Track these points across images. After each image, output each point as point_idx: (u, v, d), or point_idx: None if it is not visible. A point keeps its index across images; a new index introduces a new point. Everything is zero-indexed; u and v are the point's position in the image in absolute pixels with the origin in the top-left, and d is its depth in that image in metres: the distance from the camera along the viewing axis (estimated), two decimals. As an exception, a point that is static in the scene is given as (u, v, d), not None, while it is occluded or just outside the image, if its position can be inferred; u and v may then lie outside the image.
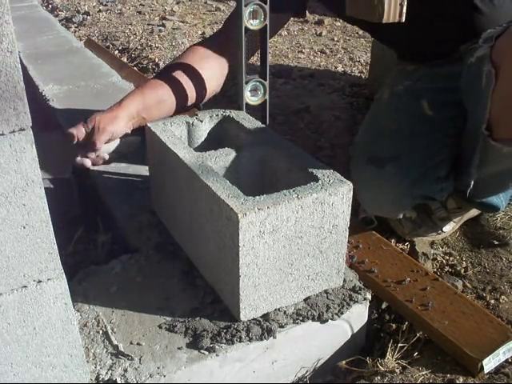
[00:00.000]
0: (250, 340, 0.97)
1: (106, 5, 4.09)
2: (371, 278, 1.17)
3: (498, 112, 1.04)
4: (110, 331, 1.00)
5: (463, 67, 1.17)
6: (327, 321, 1.03)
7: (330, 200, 0.96)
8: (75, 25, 3.69)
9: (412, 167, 1.23)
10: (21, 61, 2.02)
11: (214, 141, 1.19)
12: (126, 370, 0.92)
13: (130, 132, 1.35)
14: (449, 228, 1.38)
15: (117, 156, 1.37)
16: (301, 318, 1.02)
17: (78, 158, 1.31)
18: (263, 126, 1.20)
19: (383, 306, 1.18)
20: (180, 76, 1.34)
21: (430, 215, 1.36)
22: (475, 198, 1.31)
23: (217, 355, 0.95)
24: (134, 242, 1.25)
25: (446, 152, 1.26)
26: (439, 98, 1.28)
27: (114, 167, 1.55)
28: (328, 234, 1.00)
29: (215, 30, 3.32)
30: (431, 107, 1.27)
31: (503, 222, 1.48)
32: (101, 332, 1.00)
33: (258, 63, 1.26)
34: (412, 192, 1.27)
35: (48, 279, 0.76)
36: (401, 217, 1.34)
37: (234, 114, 1.26)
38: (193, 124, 1.24)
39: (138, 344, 0.97)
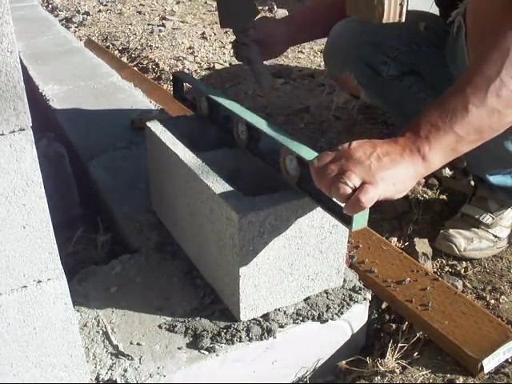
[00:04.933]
0: (250, 340, 0.97)
1: (105, 5, 4.09)
2: (371, 278, 1.17)
3: (474, 57, 1.07)
4: (110, 331, 1.00)
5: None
6: (327, 321, 1.03)
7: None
8: (75, 25, 3.68)
9: (377, 31, 1.42)
10: (21, 61, 2.02)
11: (215, 141, 1.19)
12: (125, 370, 0.92)
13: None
14: (502, 234, 1.37)
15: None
16: (301, 318, 1.02)
17: None
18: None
19: (383, 305, 1.18)
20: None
21: (478, 227, 1.36)
22: (481, 171, 1.33)
23: (217, 355, 0.95)
24: (133, 242, 1.25)
25: (407, 51, 1.44)
26: (436, 28, 1.43)
27: (114, 167, 1.55)
28: (328, 233, 1.00)
29: (215, 30, 3.33)
30: (426, 28, 1.44)
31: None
32: (101, 332, 1.00)
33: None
34: (361, 46, 1.46)
35: (48, 279, 0.76)
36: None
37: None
38: (193, 124, 1.24)
39: (138, 344, 0.97)
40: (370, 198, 0.76)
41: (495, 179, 1.32)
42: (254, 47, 1.37)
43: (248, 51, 1.37)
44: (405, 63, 1.48)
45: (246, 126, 1.06)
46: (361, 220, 0.82)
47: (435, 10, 1.53)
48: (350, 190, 0.77)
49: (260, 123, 1.03)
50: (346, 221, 0.84)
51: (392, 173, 0.80)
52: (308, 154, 0.89)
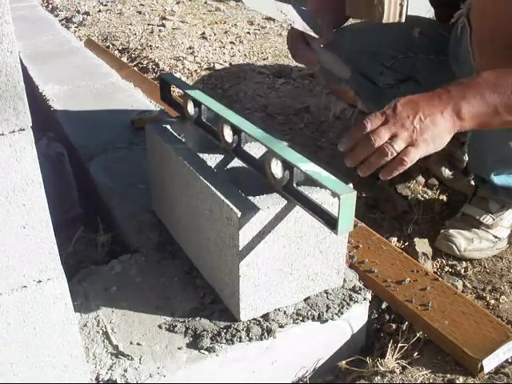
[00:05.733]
0: (250, 340, 0.97)
1: (105, 5, 4.09)
2: (371, 278, 1.17)
3: (480, 59, 1.08)
4: (110, 331, 1.00)
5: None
6: (327, 321, 1.03)
7: (330, 200, 0.96)
8: (75, 25, 3.68)
9: (372, 41, 1.43)
10: (21, 61, 2.02)
11: (214, 141, 1.19)
12: (125, 370, 0.92)
13: None
14: (502, 234, 1.37)
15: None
16: (301, 318, 1.02)
17: None
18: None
19: (383, 305, 1.18)
20: None
21: (479, 227, 1.36)
22: (485, 171, 1.33)
23: (217, 355, 0.95)
24: (133, 242, 1.25)
25: (404, 59, 1.48)
26: (431, 33, 1.44)
27: (114, 167, 1.55)
28: (328, 233, 1.00)
29: (215, 30, 3.33)
30: (421, 33, 1.45)
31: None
32: (101, 332, 1.00)
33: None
34: (356, 56, 1.46)
35: (48, 279, 0.76)
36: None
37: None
38: (193, 124, 1.24)
39: (138, 344, 0.97)
40: (412, 158, 0.89)
41: (499, 179, 1.32)
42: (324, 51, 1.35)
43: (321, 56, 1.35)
44: (401, 71, 1.48)
45: (231, 128, 1.05)
46: (346, 224, 0.82)
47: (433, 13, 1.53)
48: (395, 153, 0.89)
49: (245, 126, 1.01)
50: (331, 225, 0.84)
51: (433, 133, 0.90)
52: (293, 157, 0.89)
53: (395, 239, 1.41)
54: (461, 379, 0.97)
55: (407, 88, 1.49)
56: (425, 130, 0.89)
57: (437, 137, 0.91)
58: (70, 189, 1.49)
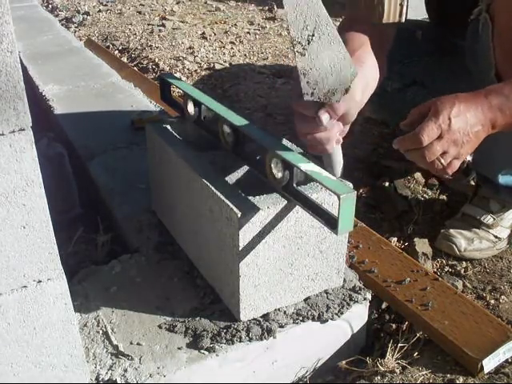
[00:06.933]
0: (250, 340, 0.97)
1: (106, 5, 4.09)
2: (371, 278, 1.17)
3: (502, 54, 1.08)
4: (110, 331, 1.00)
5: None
6: (327, 321, 1.03)
7: (330, 200, 0.96)
8: (75, 25, 3.68)
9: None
10: (21, 61, 2.02)
11: (214, 141, 1.19)
12: (125, 370, 0.92)
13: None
14: (503, 235, 1.37)
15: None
16: (301, 318, 1.02)
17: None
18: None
19: (383, 305, 1.18)
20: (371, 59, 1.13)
21: (479, 227, 1.36)
22: (492, 170, 1.32)
23: (217, 355, 0.95)
24: (133, 241, 1.25)
25: (409, 62, 1.48)
26: (433, 35, 1.45)
27: (114, 167, 1.55)
28: (328, 233, 1.00)
29: (215, 30, 3.33)
30: (423, 37, 1.46)
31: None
32: (101, 332, 1.00)
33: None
34: None
35: (48, 279, 0.76)
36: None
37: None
38: (193, 124, 1.24)
39: (138, 344, 0.97)
40: (454, 169, 0.98)
41: (504, 179, 1.32)
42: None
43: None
44: (407, 75, 1.47)
45: (231, 128, 1.04)
46: (346, 224, 0.82)
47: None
48: (441, 167, 0.97)
49: (245, 126, 1.01)
50: (332, 225, 0.84)
51: (474, 145, 0.97)
52: (293, 157, 0.89)
53: (395, 239, 1.41)
54: (461, 379, 0.97)
55: (413, 91, 1.48)
56: (470, 144, 0.96)
57: (475, 147, 0.98)
58: (70, 189, 1.49)
